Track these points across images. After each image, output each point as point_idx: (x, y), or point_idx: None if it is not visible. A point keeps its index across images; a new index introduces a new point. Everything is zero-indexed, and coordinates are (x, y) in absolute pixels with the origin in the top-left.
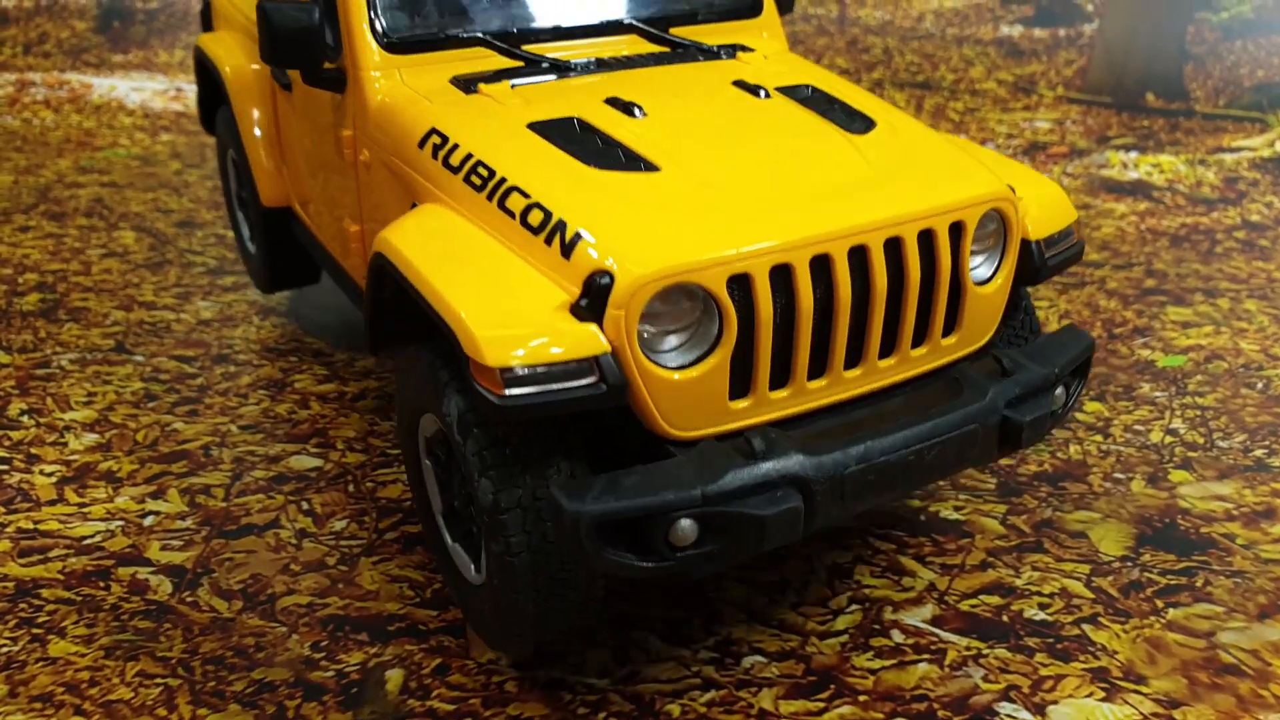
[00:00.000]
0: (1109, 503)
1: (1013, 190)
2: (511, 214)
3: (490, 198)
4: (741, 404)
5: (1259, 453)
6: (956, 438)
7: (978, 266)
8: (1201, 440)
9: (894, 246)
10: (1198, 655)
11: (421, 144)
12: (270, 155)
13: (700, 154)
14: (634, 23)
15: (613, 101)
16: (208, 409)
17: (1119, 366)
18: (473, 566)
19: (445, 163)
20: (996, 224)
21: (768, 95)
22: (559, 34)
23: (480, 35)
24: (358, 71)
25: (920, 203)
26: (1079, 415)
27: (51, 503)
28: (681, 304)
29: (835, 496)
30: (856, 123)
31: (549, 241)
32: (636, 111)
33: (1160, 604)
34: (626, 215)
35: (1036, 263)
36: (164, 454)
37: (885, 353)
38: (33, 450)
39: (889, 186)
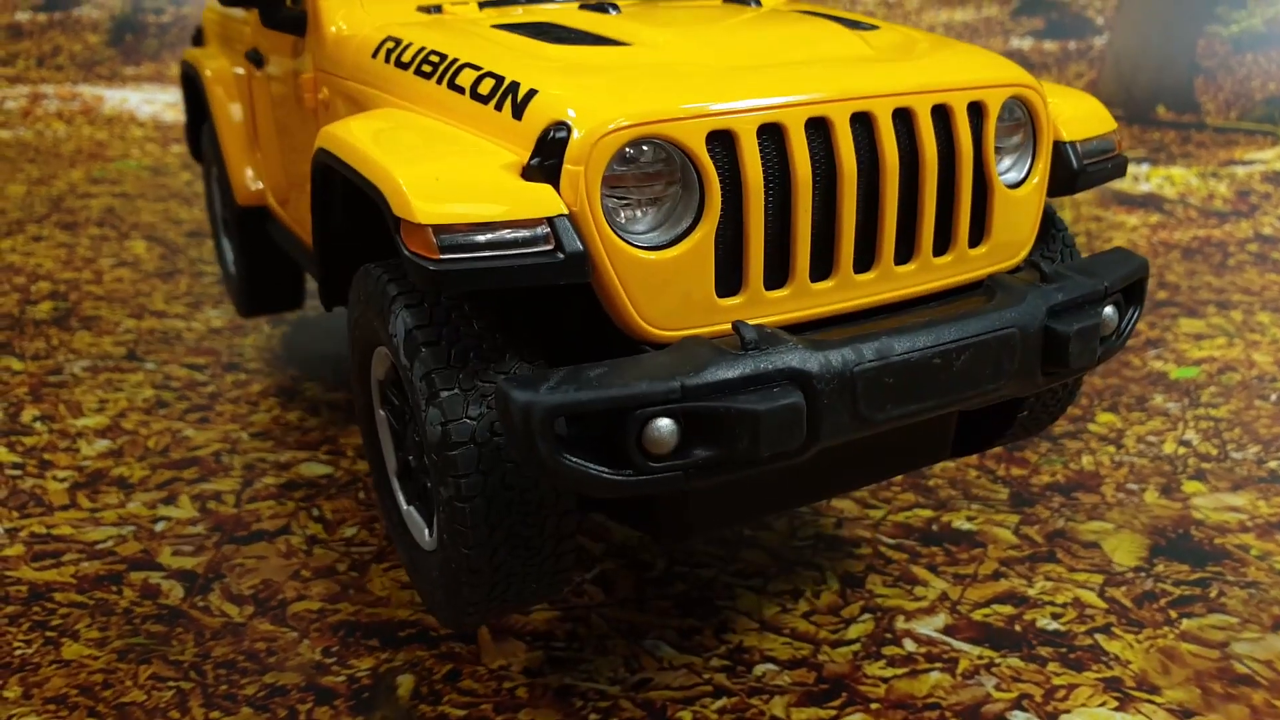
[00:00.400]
0: (1122, 513)
1: (1039, 85)
2: (461, 89)
3: (440, 80)
4: (732, 302)
5: (1273, 464)
6: (991, 342)
7: (1007, 171)
8: (1215, 451)
9: (906, 123)
10: (1211, 666)
11: (375, 53)
12: (247, 152)
13: (679, 35)
14: None
15: (585, 6)
16: (218, 416)
17: (1132, 378)
18: (426, 531)
19: (397, 62)
20: (1023, 118)
21: (759, 4)
22: None
23: None
24: (316, 2)
25: (934, 75)
26: (1091, 426)
27: (64, 508)
28: (656, 172)
29: (846, 399)
30: (860, 25)
31: (499, 106)
32: (610, 9)
33: (1174, 614)
34: (590, 76)
35: (1074, 166)
36: (175, 460)
37: (903, 258)
38: (45, 456)
39: (898, 63)
